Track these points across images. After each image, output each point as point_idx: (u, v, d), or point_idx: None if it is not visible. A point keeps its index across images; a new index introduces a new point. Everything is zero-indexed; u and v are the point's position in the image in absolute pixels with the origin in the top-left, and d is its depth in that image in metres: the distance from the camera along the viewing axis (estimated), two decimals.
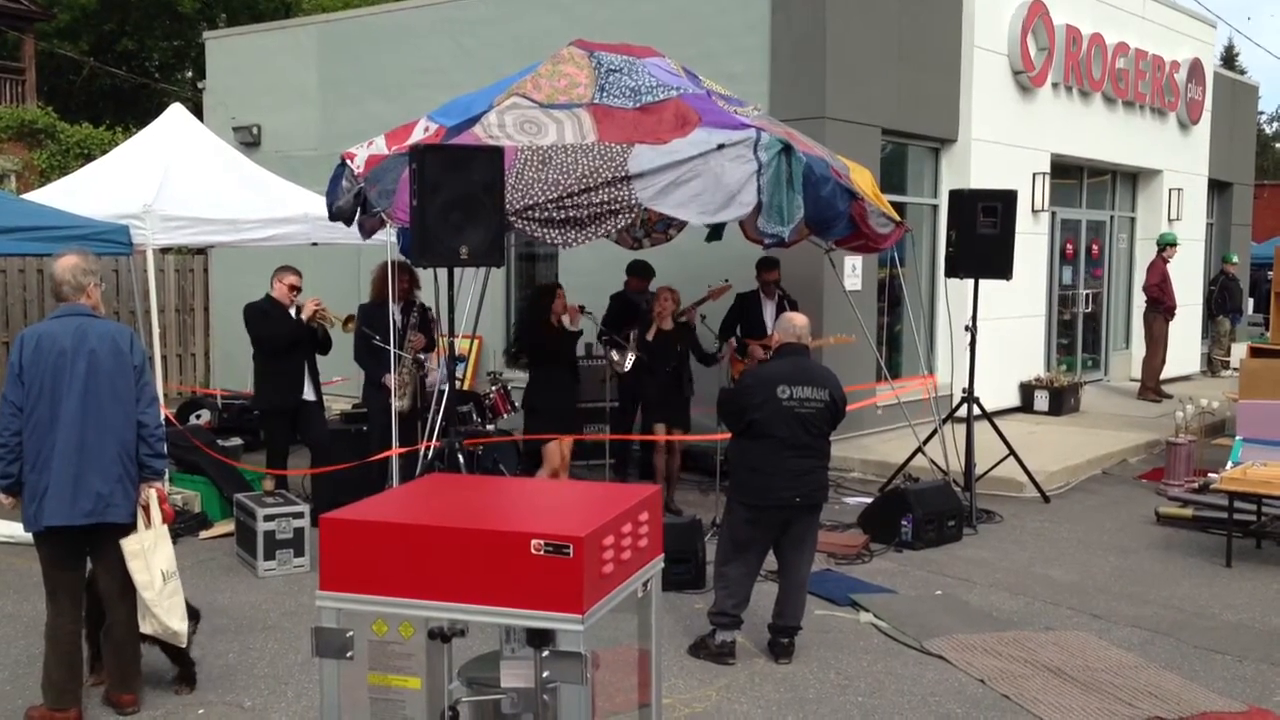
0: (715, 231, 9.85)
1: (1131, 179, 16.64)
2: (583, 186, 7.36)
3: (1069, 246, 15.27)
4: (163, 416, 8.89)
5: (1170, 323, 14.79)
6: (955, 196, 9.55)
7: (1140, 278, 16.40)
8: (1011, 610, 7.02)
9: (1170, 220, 16.55)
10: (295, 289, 8.82)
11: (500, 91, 8.24)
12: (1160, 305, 14.59)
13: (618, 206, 7.43)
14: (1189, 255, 17.07)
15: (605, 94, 8.12)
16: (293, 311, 8.77)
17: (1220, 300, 17.76)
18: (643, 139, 7.63)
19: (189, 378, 15.74)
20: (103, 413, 5.07)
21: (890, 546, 8.26)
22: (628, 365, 9.06)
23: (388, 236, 7.78)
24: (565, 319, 8.67)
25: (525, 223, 7.39)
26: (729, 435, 6.40)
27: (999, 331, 12.38)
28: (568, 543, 2.62)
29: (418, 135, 7.80)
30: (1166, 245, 14.78)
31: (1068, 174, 15.01)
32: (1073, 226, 15.39)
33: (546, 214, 7.38)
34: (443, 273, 7.25)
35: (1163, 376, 14.97)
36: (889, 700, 5.62)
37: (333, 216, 8.08)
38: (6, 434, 5.02)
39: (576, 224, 7.47)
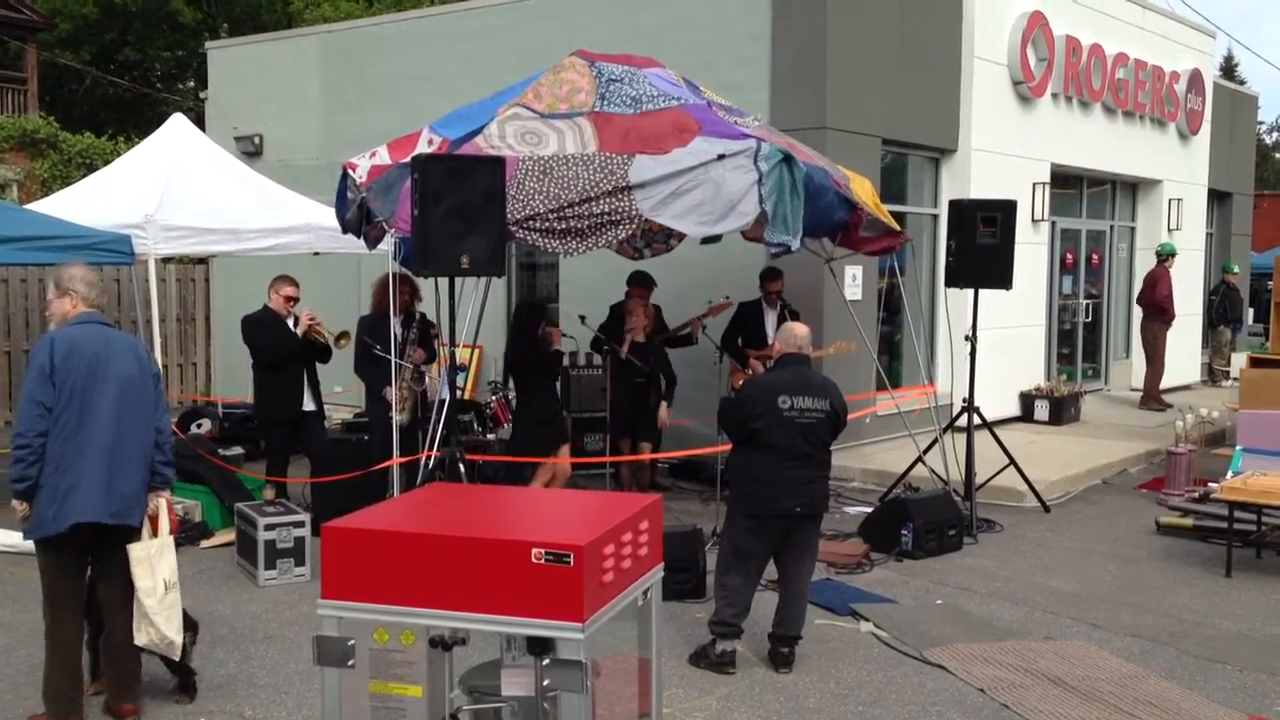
0: (712, 236, 9.88)
1: (1131, 189, 16.66)
2: (583, 197, 7.38)
3: (1069, 256, 15.29)
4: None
5: (1168, 332, 14.83)
6: (955, 206, 9.56)
7: (1139, 287, 16.43)
8: (1012, 619, 7.02)
9: (1170, 230, 16.58)
10: (292, 299, 8.82)
11: (502, 103, 8.27)
12: (1165, 315, 14.62)
13: (618, 217, 7.45)
14: (1189, 265, 17.09)
15: (606, 102, 8.15)
16: (290, 322, 8.78)
17: (1221, 310, 17.78)
18: (643, 147, 7.64)
19: (190, 387, 15.75)
20: (132, 416, 5.14)
21: (890, 556, 8.26)
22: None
23: (388, 246, 7.80)
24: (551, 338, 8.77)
25: (526, 232, 7.41)
26: (728, 447, 6.41)
27: (999, 341, 12.40)
28: (568, 551, 2.62)
29: (421, 147, 7.82)
30: (1169, 255, 14.83)
31: (1067, 184, 15.03)
32: (1072, 236, 15.41)
33: (547, 224, 7.40)
34: (443, 282, 7.27)
35: (1163, 386, 14.97)
36: (889, 709, 5.62)
37: (345, 229, 8.10)
38: (32, 434, 5.02)
39: (577, 234, 7.49)
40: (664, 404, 9.75)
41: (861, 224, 8.37)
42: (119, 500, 5.09)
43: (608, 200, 7.40)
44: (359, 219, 7.80)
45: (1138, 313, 16.08)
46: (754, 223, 7.76)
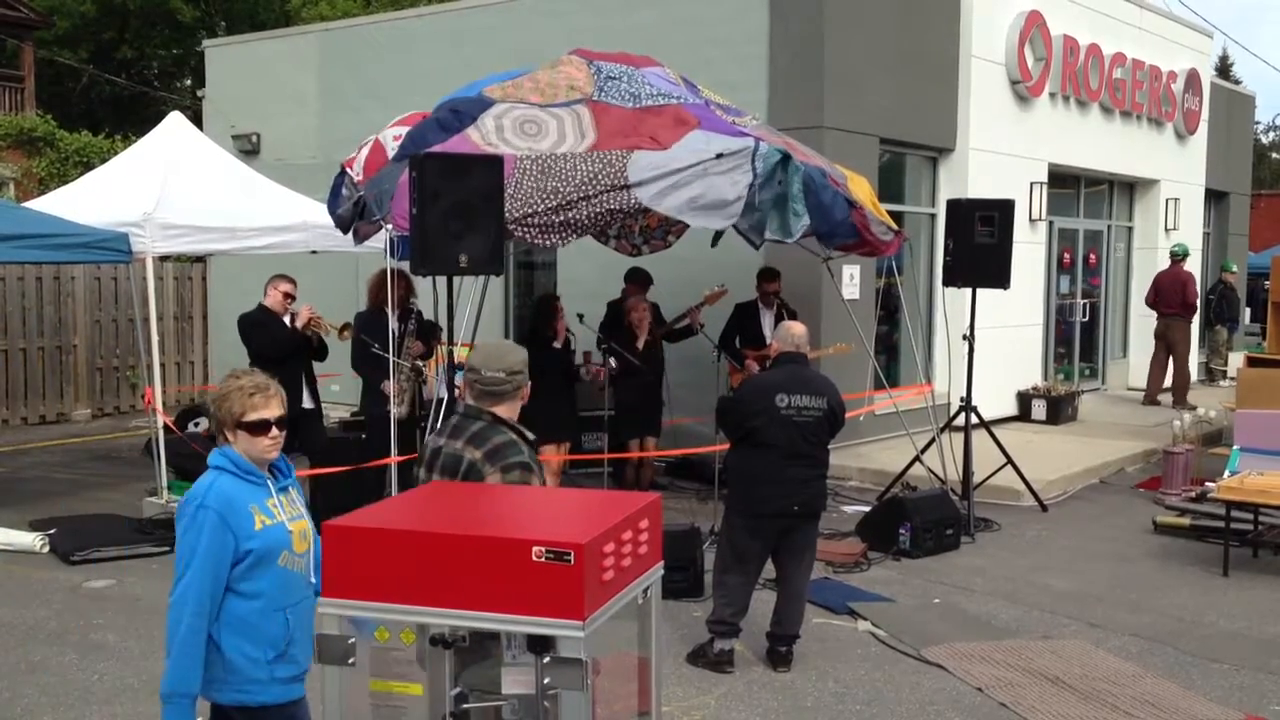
0: (719, 236, 9.89)
1: (1129, 189, 16.68)
2: (581, 194, 7.38)
3: (1066, 256, 15.30)
4: (162, 423, 8.94)
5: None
6: (953, 206, 9.57)
7: (1137, 286, 16.48)
8: (1009, 619, 7.03)
9: (1167, 230, 16.60)
10: (289, 297, 8.82)
11: (494, 83, 8.27)
12: (1193, 314, 14.74)
13: (616, 208, 7.48)
14: (1186, 265, 17.10)
15: (605, 94, 8.16)
16: (287, 320, 8.78)
17: (1218, 309, 17.80)
18: (641, 141, 7.62)
19: (188, 385, 15.74)
20: None
21: (888, 555, 8.26)
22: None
23: (379, 243, 7.79)
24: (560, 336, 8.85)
25: (524, 230, 7.41)
26: (726, 446, 6.42)
27: (997, 340, 12.40)
28: (569, 550, 2.62)
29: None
30: (1185, 256, 14.96)
31: (1065, 183, 15.04)
32: (1070, 236, 15.42)
33: (545, 220, 7.40)
34: (442, 280, 7.26)
35: (1162, 385, 15.00)
36: (887, 708, 5.63)
37: (336, 223, 8.12)
38: None
39: (576, 226, 7.51)
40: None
41: (867, 226, 8.36)
42: None
43: (606, 198, 7.41)
44: (353, 215, 7.80)
45: (1137, 312, 16.12)
46: (744, 222, 7.77)
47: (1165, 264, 15.41)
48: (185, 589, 3.40)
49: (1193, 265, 17.47)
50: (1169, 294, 14.82)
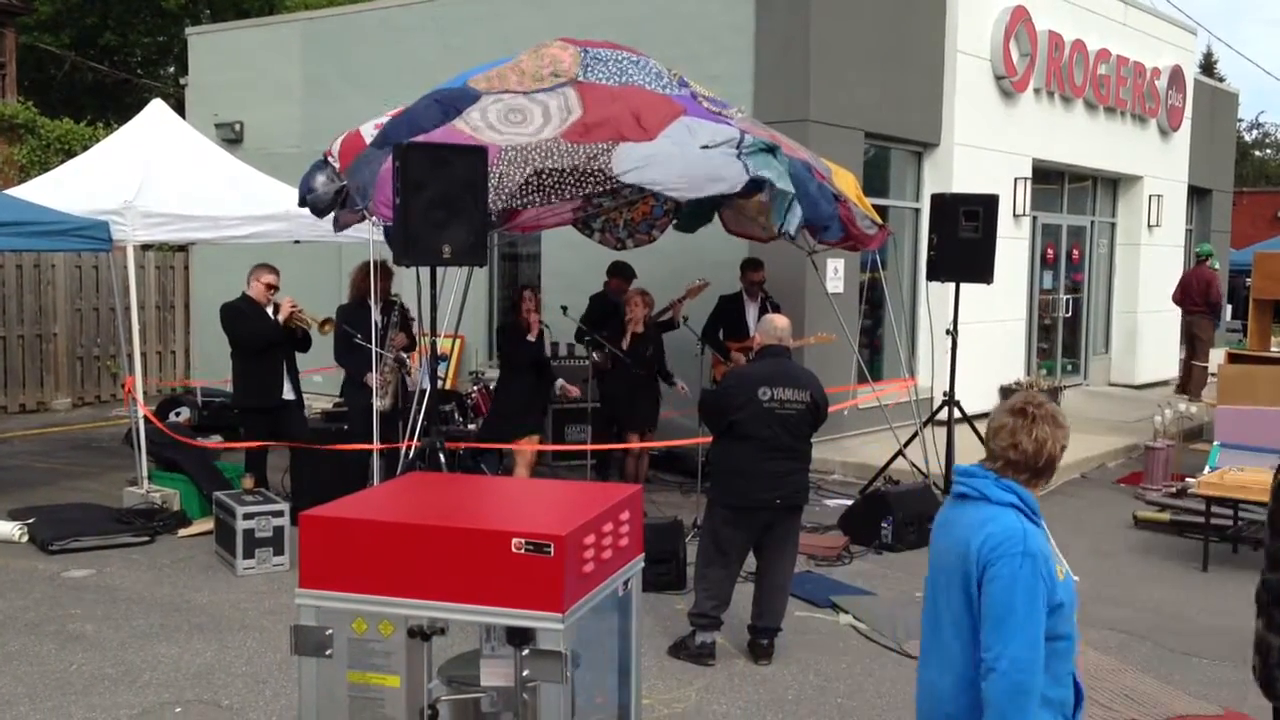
0: (687, 223, 9.85)
1: (1112, 185, 16.73)
2: (567, 195, 7.35)
3: (1050, 251, 15.34)
4: (142, 414, 8.89)
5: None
6: (937, 200, 9.57)
7: (1120, 282, 16.55)
8: None
9: (1150, 226, 16.66)
10: (272, 287, 8.78)
11: (476, 74, 8.22)
12: (1215, 310, 14.95)
13: (601, 190, 7.45)
14: (1169, 261, 17.19)
15: (590, 72, 8.12)
16: (270, 310, 8.73)
17: None
18: (626, 122, 7.56)
19: (169, 375, 15.67)
20: None
21: (870, 548, 8.28)
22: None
23: (369, 235, 7.75)
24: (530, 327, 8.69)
25: (510, 204, 7.37)
26: (709, 439, 6.41)
27: (979, 335, 12.43)
28: (548, 541, 2.62)
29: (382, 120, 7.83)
30: (1208, 255, 15.14)
31: (1049, 179, 15.08)
32: (1053, 231, 15.46)
33: (533, 214, 7.38)
34: (425, 271, 7.23)
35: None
36: (868, 701, 5.64)
37: (302, 202, 7.93)
38: None
39: (558, 213, 7.50)
40: (679, 383, 9.57)
41: (852, 220, 8.35)
42: None
43: (591, 187, 7.39)
44: (331, 203, 7.73)
45: (1118, 308, 16.18)
46: (735, 213, 7.75)
47: (1149, 260, 15.50)
48: (1027, 654, 2.96)
49: (1175, 262, 17.59)
50: (1195, 292, 14.99)
